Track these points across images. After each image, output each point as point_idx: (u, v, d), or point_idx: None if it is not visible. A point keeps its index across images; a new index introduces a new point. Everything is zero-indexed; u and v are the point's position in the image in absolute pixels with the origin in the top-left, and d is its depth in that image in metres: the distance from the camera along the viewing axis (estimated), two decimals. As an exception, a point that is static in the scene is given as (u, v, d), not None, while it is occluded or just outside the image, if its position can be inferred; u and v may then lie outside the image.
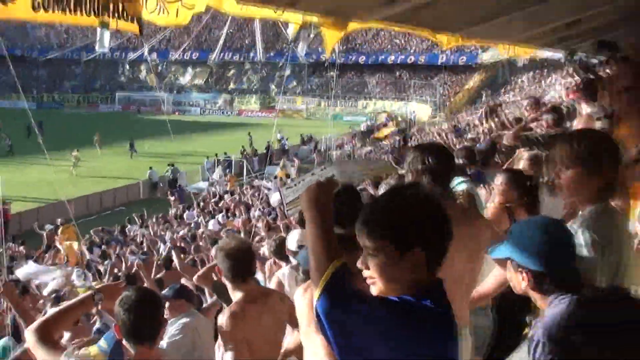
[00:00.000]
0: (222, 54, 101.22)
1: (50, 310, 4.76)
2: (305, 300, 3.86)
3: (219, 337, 5.24)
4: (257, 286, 5.50)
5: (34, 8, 5.84)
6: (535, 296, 3.37)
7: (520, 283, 3.38)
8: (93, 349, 4.35)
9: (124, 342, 4.08)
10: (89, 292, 4.43)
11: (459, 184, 6.82)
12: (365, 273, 2.86)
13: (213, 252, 7.29)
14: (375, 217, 2.79)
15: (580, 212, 3.96)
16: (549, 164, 4.09)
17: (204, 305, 8.27)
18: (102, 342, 4.45)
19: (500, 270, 4.95)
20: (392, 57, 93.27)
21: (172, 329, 6.38)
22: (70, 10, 6.05)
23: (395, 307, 2.68)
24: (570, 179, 3.88)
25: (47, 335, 4.10)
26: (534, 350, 3.11)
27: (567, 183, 3.92)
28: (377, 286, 2.84)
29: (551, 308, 3.24)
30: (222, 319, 5.08)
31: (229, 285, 5.25)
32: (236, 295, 5.19)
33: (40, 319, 4.26)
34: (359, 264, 2.88)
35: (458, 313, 4.66)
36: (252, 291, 5.23)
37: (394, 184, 6.82)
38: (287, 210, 2.85)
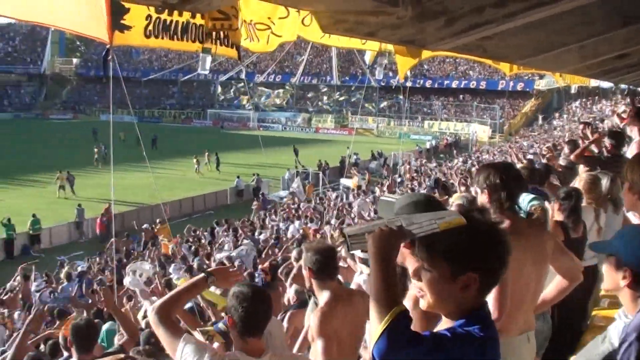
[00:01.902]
0: (302, 78, 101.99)
1: (169, 292, 4.81)
2: None
3: (309, 332, 5.21)
4: (341, 285, 5.45)
5: (146, 36, 5.91)
6: (628, 296, 3.26)
7: (616, 281, 3.27)
8: (210, 329, 4.58)
9: (232, 334, 4.12)
10: (202, 275, 4.45)
11: (533, 200, 6.73)
12: (416, 284, 2.78)
13: (294, 254, 7.22)
14: (437, 234, 2.69)
15: None
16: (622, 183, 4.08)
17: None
18: (221, 324, 4.58)
19: (560, 279, 4.87)
20: (456, 82, 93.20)
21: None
22: (177, 38, 6.12)
23: (448, 347, 2.54)
24: None
25: (168, 315, 4.15)
26: (625, 351, 3.03)
27: None
28: (426, 300, 2.75)
29: None
30: (313, 317, 5.05)
31: (315, 285, 5.22)
32: (324, 295, 5.14)
33: (160, 300, 4.31)
34: (411, 274, 2.82)
35: (525, 317, 4.60)
36: (337, 290, 5.20)
37: (464, 206, 6.73)
38: (350, 244, 2.77)
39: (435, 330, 2.69)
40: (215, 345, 4.47)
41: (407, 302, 3.51)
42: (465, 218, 2.71)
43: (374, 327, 2.60)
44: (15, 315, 16.53)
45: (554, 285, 4.96)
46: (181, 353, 3.90)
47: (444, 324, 2.74)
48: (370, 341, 2.62)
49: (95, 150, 55.61)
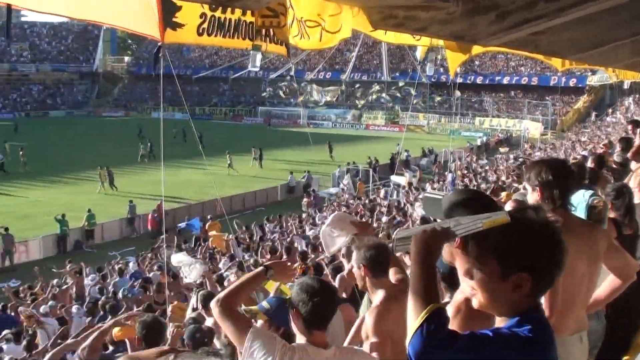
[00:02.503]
0: (352, 74, 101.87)
1: (231, 284, 4.89)
2: None
3: (363, 329, 5.20)
4: (394, 284, 5.43)
5: (199, 33, 5.98)
6: None
7: None
8: (255, 307, 4.66)
9: (298, 326, 4.16)
10: (261, 268, 4.53)
11: (592, 196, 6.61)
12: (468, 282, 2.76)
13: (342, 250, 7.16)
14: (490, 232, 2.66)
15: None
16: None
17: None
18: (265, 303, 4.70)
19: (614, 278, 4.80)
20: (508, 78, 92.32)
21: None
22: (229, 35, 6.17)
23: (486, 349, 2.50)
24: None
25: (231, 307, 4.25)
26: None
27: None
28: (477, 299, 2.72)
29: None
30: (368, 316, 5.05)
31: (370, 283, 5.20)
32: (378, 294, 5.13)
33: (223, 292, 4.38)
34: (463, 273, 2.79)
35: (577, 317, 4.54)
36: (392, 288, 5.17)
37: (519, 204, 6.66)
38: (395, 246, 2.79)
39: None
40: (260, 323, 4.57)
41: (449, 309, 3.51)
42: (519, 216, 2.68)
43: (410, 324, 2.59)
44: (74, 309, 16.78)
45: (607, 284, 4.88)
46: (250, 346, 3.95)
47: (497, 324, 2.70)
48: (407, 339, 2.61)
49: (141, 147, 56.28)
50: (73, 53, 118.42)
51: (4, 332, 14.09)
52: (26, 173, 48.47)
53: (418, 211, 25.20)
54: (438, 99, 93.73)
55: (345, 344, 5.64)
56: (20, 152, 51.04)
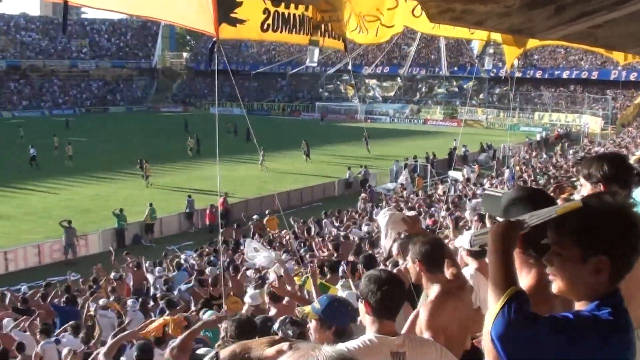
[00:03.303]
0: (410, 69, 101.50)
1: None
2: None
3: (417, 324, 5.23)
4: (449, 279, 5.45)
5: (263, 29, 6.06)
6: None
7: None
8: (307, 308, 4.81)
9: (368, 316, 4.26)
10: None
11: None
12: (549, 269, 2.79)
13: (395, 247, 7.16)
14: (569, 217, 2.72)
15: None
16: None
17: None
18: (316, 303, 4.82)
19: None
20: (567, 72, 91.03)
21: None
22: (295, 31, 6.24)
23: (567, 330, 2.56)
24: None
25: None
26: None
27: None
28: (557, 284, 2.76)
29: None
30: (422, 311, 5.08)
31: (425, 278, 5.23)
32: (433, 289, 5.16)
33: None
34: (544, 259, 2.82)
35: (636, 314, 4.50)
36: (447, 284, 5.20)
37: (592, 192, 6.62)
38: (473, 241, 2.84)
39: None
40: (312, 324, 4.72)
41: None
42: (595, 201, 2.74)
43: (491, 308, 2.66)
44: (129, 302, 17.02)
45: None
46: None
47: (577, 308, 2.75)
48: (488, 323, 2.68)
49: (189, 140, 56.87)
50: (132, 49, 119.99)
51: (67, 324, 14.34)
52: (70, 168, 49.05)
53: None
54: (496, 93, 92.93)
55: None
56: (68, 147, 51.87)
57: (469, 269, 7.27)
